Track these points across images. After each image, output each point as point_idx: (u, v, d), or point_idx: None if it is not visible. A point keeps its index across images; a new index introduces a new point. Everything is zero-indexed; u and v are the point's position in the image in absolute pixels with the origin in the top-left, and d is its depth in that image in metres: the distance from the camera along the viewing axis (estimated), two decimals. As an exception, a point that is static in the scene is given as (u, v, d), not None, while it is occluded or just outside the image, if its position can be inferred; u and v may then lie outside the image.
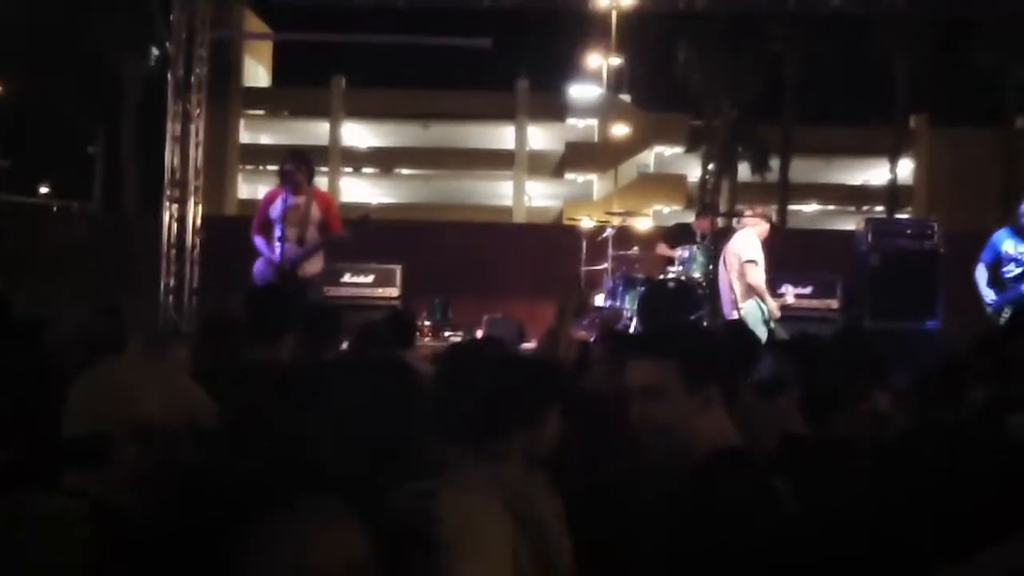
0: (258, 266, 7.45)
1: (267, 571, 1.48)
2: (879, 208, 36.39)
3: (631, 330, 9.40)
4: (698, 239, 9.90)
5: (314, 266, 7.49)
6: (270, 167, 37.90)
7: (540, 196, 41.41)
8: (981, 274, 7.59)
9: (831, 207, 39.91)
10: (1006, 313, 7.40)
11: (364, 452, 2.07)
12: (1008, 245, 7.51)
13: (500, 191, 40.86)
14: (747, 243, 7.93)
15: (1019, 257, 7.46)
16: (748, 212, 8.37)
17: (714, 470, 2.05)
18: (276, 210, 7.39)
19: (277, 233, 7.34)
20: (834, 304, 10.43)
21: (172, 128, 10.77)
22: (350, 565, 1.48)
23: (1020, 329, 6.84)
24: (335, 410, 2.16)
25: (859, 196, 39.46)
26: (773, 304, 7.90)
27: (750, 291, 7.84)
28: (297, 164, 7.48)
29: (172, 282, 10.67)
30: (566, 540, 2.32)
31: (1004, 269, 7.50)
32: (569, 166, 40.62)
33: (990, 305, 7.49)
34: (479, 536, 2.07)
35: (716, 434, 2.17)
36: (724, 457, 2.10)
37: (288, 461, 1.68)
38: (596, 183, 41.08)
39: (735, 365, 2.35)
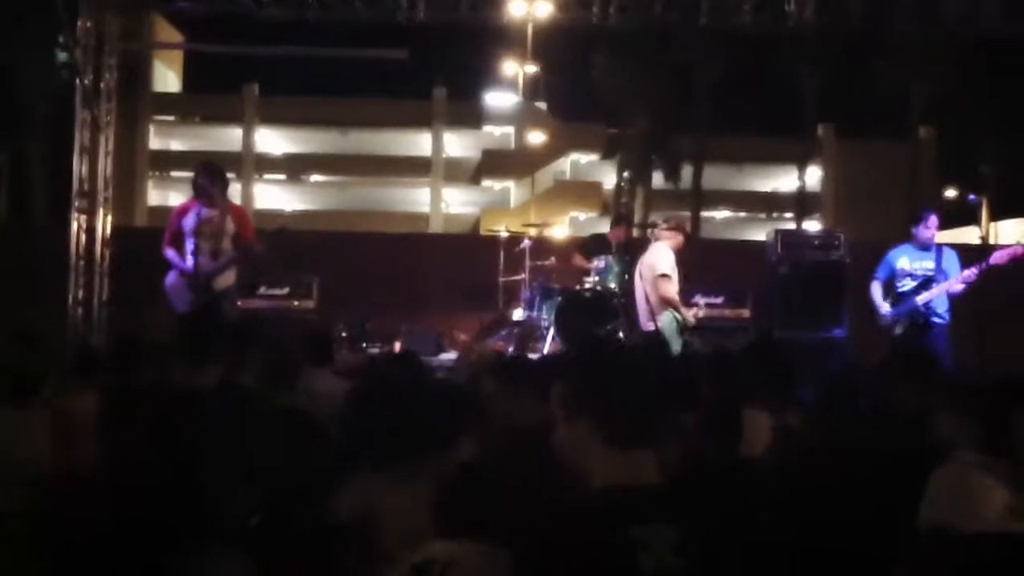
0: (170, 279, 7.34)
1: None
2: (788, 215, 37.29)
3: (548, 341, 9.49)
4: (613, 249, 10.03)
5: (228, 279, 7.41)
6: (181, 174, 37.24)
7: (457, 203, 41.45)
8: (876, 290, 7.85)
9: (742, 214, 40.76)
10: (901, 325, 7.71)
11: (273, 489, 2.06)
12: (903, 261, 7.77)
13: (417, 198, 40.78)
14: (661, 256, 8.07)
15: (914, 272, 7.71)
16: (663, 225, 8.52)
17: (576, 519, 1.92)
18: (189, 223, 7.30)
19: (190, 247, 7.25)
20: (746, 314, 10.66)
21: (80, 137, 10.52)
22: None
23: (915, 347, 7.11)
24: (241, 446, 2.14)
25: (769, 204, 40.40)
26: (689, 314, 8.07)
27: (665, 303, 7.99)
28: (211, 177, 7.40)
29: (81, 294, 10.42)
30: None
31: (899, 284, 7.74)
32: (486, 173, 40.75)
33: (885, 317, 7.75)
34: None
35: (601, 471, 2.00)
36: (588, 504, 1.95)
37: (190, 509, 1.67)
38: (513, 190, 41.29)
39: (648, 400, 2.17)
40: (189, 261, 7.24)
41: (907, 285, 7.71)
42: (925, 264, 7.71)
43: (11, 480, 2.08)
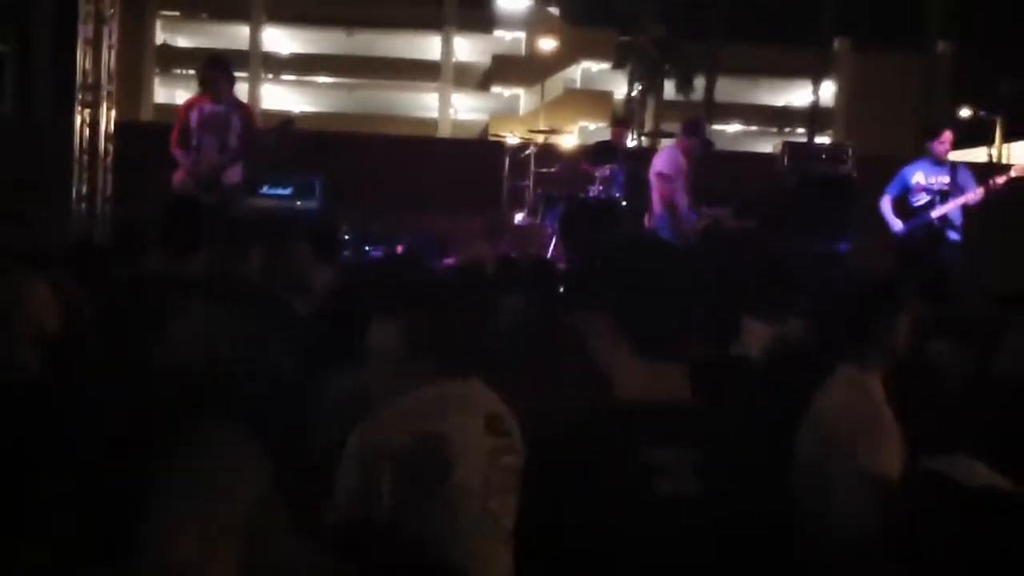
0: (177, 176, 7.35)
1: (176, 488, 1.49)
2: (801, 130, 36.88)
3: (551, 247, 9.48)
4: (619, 156, 9.97)
5: (234, 175, 7.39)
6: (187, 71, 36.82)
7: (466, 109, 41.00)
8: (887, 205, 7.86)
9: (754, 128, 40.33)
10: (914, 239, 7.70)
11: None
12: (919, 176, 7.75)
13: (425, 103, 40.34)
14: (664, 157, 8.11)
15: (930, 186, 7.70)
16: (679, 128, 8.50)
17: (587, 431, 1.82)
18: (195, 118, 7.31)
19: (196, 141, 7.26)
20: (752, 225, 10.61)
21: (84, 30, 10.35)
22: (257, 496, 1.50)
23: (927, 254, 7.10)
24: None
25: (782, 117, 39.94)
26: (685, 220, 8.14)
27: (662, 203, 8.05)
28: (219, 71, 7.38)
29: (84, 189, 10.39)
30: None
31: (913, 199, 7.75)
32: (495, 79, 40.21)
33: (898, 232, 7.78)
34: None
35: (631, 383, 1.86)
36: (609, 415, 1.84)
37: (197, 387, 1.67)
38: (522, 97, 40.79)
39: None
40: (195, 157, 7.26)
41: (922, 200, 7.72)
42: (941, 179, 7.69)
43: (21, 341, 2.03)
